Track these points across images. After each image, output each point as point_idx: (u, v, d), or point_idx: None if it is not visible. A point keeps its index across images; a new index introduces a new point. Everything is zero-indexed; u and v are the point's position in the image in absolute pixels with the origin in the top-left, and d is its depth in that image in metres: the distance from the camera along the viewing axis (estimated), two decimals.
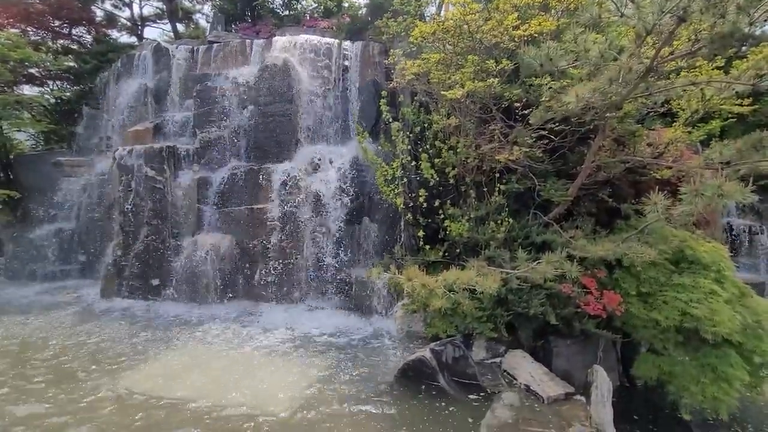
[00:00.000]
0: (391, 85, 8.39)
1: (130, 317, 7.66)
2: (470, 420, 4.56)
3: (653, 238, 5.44)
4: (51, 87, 13.88)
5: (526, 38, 6.36)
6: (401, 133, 7.91)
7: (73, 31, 14.58)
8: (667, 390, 5.34)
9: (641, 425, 5.26)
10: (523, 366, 5.42)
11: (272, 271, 8.22)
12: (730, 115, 6.60)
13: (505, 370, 5.51)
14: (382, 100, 8.49)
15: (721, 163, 4.85)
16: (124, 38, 16.15)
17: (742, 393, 4.92)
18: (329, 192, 8.41)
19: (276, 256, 8.24)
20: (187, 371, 5.55)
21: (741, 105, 6.34)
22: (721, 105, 6.19)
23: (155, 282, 8.50)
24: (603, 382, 4.56)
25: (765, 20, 4.40)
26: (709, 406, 4.81)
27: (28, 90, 13.49)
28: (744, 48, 9.25)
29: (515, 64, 6.62)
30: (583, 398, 4.73)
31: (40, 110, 13.31)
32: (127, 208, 8.74)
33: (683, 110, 6.46)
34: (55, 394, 4.93)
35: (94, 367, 5.65)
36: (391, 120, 8.13)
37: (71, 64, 13.26)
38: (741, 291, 5.38)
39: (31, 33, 13.59)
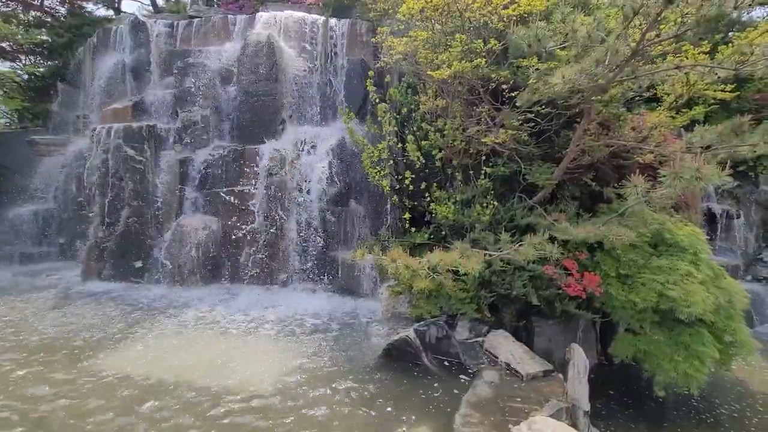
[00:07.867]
0: (378, 64, 8.22)
1: (112, 300, 7.54)
2: (452, 396, 4.67)
3: (633, 221, 5.52)
4: (23, 62, 13.29)
5: (515, 18, 6.27)
6: (388, 114, 7.79)
7: (46, 3, 13.86)
8: (642, 367, 5.53)
9: (616, 400, 5.47)
10: (504, 345, 5.53)
11: (257, 254, 8.16)
12: (713, 102, 6.67)
13: (487, 350, 5.62)
14: (369, 80, 8.32)
15: (702, 147, 4.93)
16: (101, 11, 15.42)
17: (712, 370, 5.12)
18: (315, 174, 8.31)
19: (261, 238, 8.16)
20: (169, 353, 5.53)
21: (724, 91, 6.39)
22: (705, 90, 6.23)
23: (137, 264, 8.37)
24: (580, 360, 4.69)
25: (750, 5, 4.41)
26: (681, 382, 4.99)
27: None
28: (731, 34, 9.32)
29: (503, 44, 6.53)
30: (560, 375, 4.88)
31: (12, 87, 12.76)
32: (107, 190, 8.51)
33: (668, 95, 6.49)
34: (34, 375, 4.87)
35: (73, 349, 5.58)
36: (378, 101, 7.99)
37: (44, 37, 12.65)
38: (715, 273, 5.53)
39: (0, 4, 12.91)
